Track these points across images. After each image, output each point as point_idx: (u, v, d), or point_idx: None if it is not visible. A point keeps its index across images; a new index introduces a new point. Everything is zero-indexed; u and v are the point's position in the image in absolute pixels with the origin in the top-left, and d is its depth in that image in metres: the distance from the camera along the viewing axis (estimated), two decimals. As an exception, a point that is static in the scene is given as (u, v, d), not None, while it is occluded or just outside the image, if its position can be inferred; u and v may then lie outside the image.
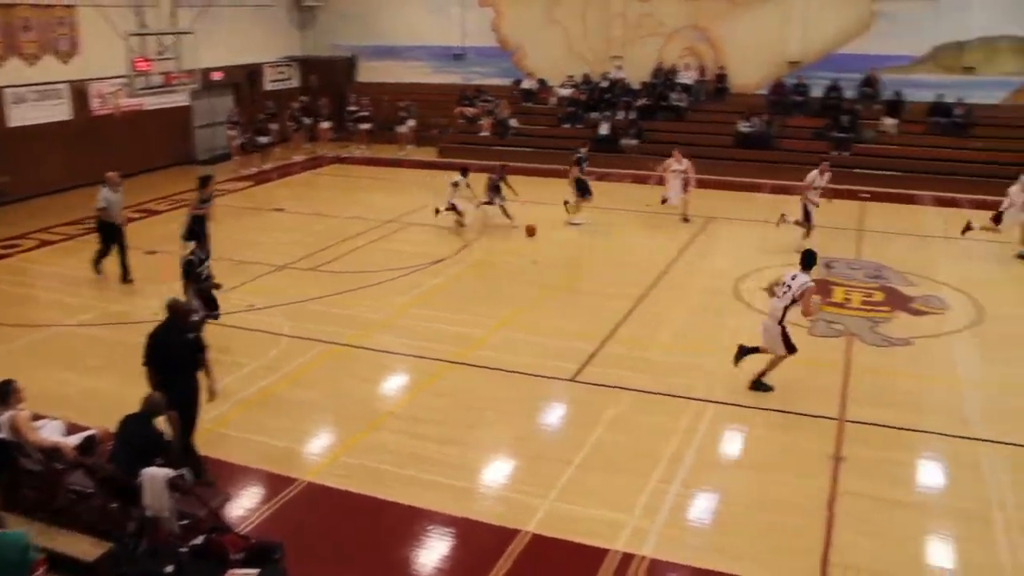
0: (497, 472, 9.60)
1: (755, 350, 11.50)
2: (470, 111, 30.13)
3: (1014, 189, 17.94)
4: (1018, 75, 26.09)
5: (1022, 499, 9.03)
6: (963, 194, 23.38)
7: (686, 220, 20.18)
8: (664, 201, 20.24)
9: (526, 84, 30.60)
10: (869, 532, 8.44)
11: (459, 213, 19.34)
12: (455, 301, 14.79)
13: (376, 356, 12.19)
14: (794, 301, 11.08)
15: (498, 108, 29.35)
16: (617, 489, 9.04)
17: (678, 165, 20.21)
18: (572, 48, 30.37)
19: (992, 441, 10.21)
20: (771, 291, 11.59)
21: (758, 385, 11.37)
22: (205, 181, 15.63)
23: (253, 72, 30.70)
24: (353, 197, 23.40)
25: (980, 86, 26.15)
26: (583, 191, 20.30)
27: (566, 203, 20.25)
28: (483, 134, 29.19)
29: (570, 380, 11.68)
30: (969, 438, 10.30)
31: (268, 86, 31.46)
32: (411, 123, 29.86)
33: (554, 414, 11.06)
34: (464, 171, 19.65)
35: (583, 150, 21.10)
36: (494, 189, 19.72)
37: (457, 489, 9.08)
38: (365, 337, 13.12)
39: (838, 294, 15.23)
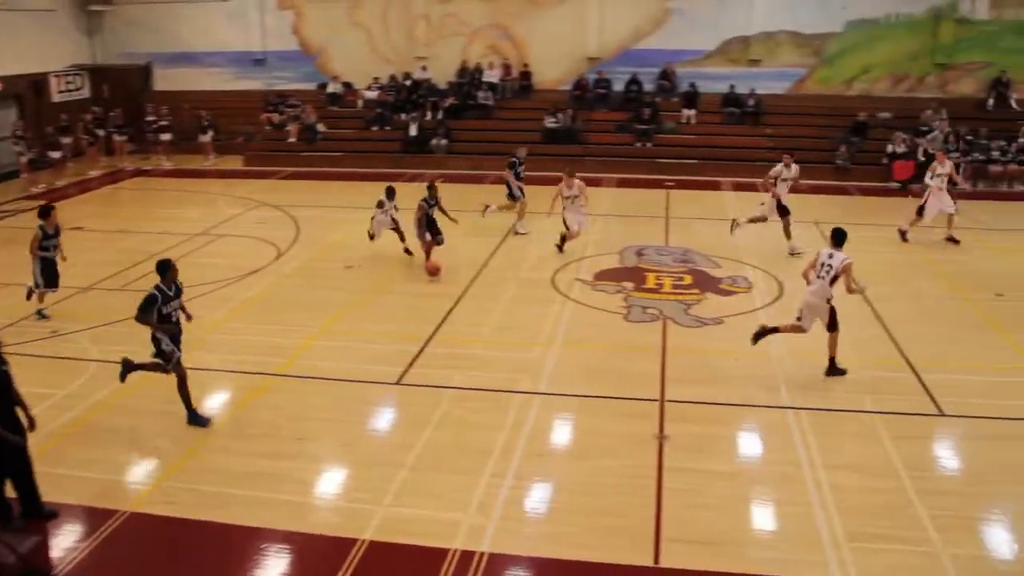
0: (330, 482, 9.39)
1: (775, 330, 11.81)
2: (276, 117, 29.40)
3: (933, 182, 18.64)
4: (797, 66, 28.04)
5: (828, 459, 9.64)
6: (757, 178, 24.68)
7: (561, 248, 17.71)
8: (566, 240, 17.49)
9: (332, 88, 30.08)
10: (697, 505, 8.79)
11: (371, 237, 17.37)
12: (272, 312, 14.38)
13: (194, 375, 11.64)
14: (835, 278, 11.35)
15: (304, 113, 28.76)
16: (451, 488, 9.02)
17: (568, 190, 17.39)
18: (376, 50, 30.16)
19: (798, 408, 10.86)
20: (808, 274, 11.75)
21: (833, 370, 11.64)
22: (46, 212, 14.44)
23: (38, 82, 28.75)
24: (159, 211, 22.35)
25: (767, 77, 27.94)
26: (512, 195, 19.46)
27: (486, 207, 19.30)
28: (291, 140, 28.53)
29: (396, 383, 11.58)
30: (779, 407, 10.91)
31: (56, 97, 29.48)
32: (211, 132, 28.81)
33: (383, 418, 10.96)
34: (390, 192, 17.19)
35: (521, 153, 20.13)
36: (427, 224, 16.18)
37: (290, 504, 8.82)
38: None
39: (650, 280, 15.79)
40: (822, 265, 11.53)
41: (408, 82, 29.28)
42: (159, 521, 8.56)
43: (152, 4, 31.15)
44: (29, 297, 14.32)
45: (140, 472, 9.59)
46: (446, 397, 11.10)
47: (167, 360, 10.36)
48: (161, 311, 10.21)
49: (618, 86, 28.20)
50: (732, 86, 27.47)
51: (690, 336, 13.28)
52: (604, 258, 17.08)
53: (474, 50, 29.47)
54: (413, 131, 27.38)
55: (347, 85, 30.10)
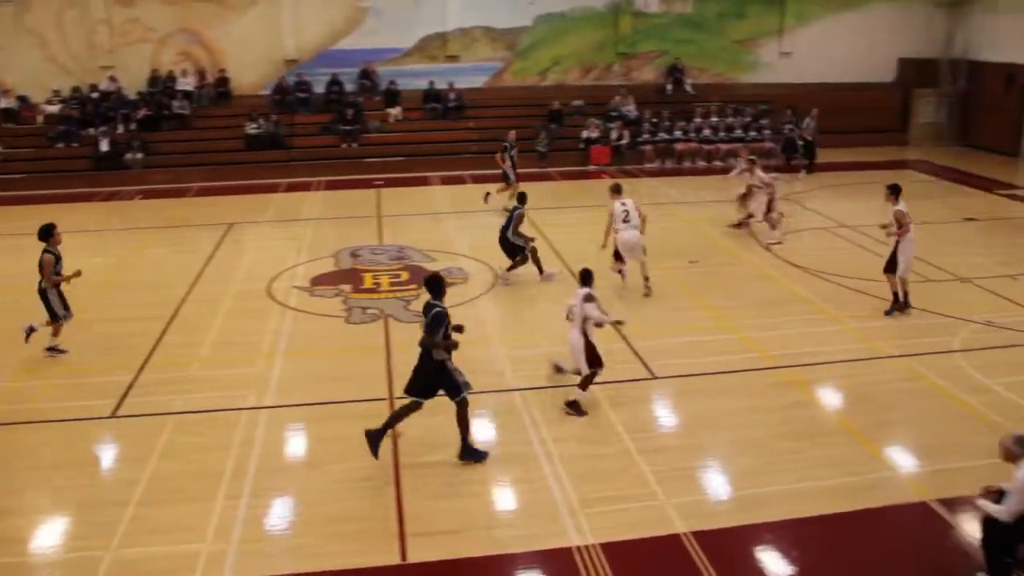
0: (49, 534, 8.54)
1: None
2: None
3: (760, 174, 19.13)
4: (494, 61, 29.08)
5: (556, 433, 10.17)
6: (465, 171, 25.49)
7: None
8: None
9: (4, 103, 27.12)
10: (438, 496, 8.94)
11: None
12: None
13: None
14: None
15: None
16: (184, 518, 8.58)
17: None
18: (53, 59, 27.38)
19: (523, 389, 11.30)
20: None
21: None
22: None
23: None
24: None
25: (465, 72, 28.75)
26: (506, 178, 20.50)
27: (487, 195, 20.28)
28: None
29: (111, 417, 10.81)
30: (505, 390, 11.29)
31: None
32: None
33: (101, 456, 10.17)
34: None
35: (512, 136, 21.42)
36: None
37: (6, 567, 8.00)
38: None
39: (368, 280, 15.78)
40: (570, 307, 10.89)
41: (95, 94, 27.17)
42: None
43: None
44: (28, 338, 12.42)
45: None
46: (169, 424, 10.51)
47: (463, 390, 9.52)
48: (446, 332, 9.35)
49: (319, 88, 27.84)
50: (432, 82, 28.01)
51: (412, 331, 13.28)
52: (319, 263, 16.85)
53: (164, 57, 27.88)
54: (104, 146, 25.48)
55: (22, 99, 27.27)
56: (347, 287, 15.43)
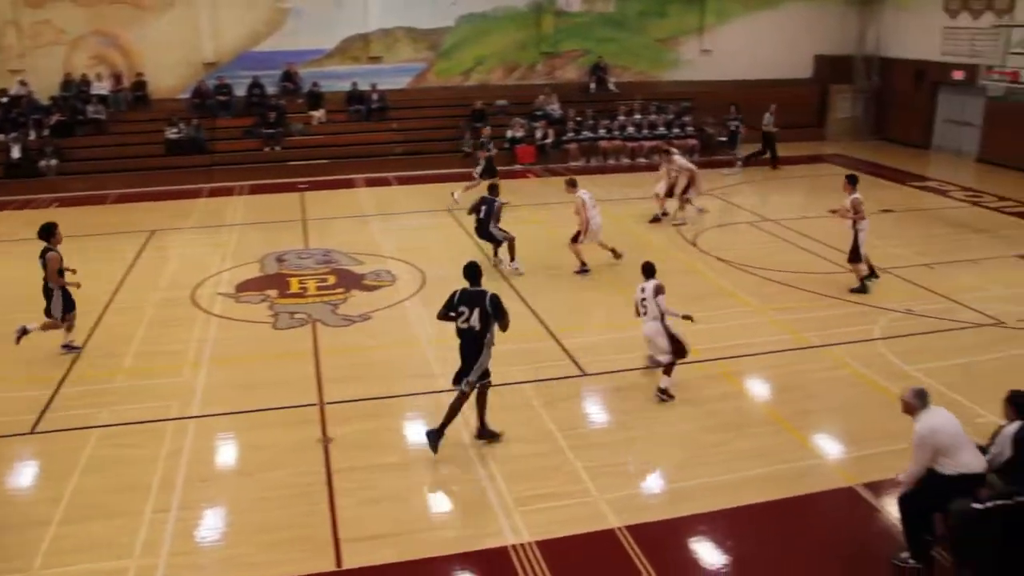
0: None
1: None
2: None
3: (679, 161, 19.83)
4: (417, 61, 28.92)
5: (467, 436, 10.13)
6: (390, 172, 25.36)
7: None
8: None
9: (-92, 111, 26.12)
10: (372, 500, 8.86)
11: None
12: None
13: None
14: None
15: None
16: (111, 534, 8.35)
17: None
18: (-45, 64, 26.57)
19: (453, 390, 11.23)
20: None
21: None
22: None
23: None
24: None
25: (388, 73, 28.52)
26: (491, 172, 20.48)
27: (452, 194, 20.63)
28: None
29: (30, 433, 10.46)
30: (436, 391, 11.22)
31: None
32: None
33: (19, 474, 9.81)
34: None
35: (487, 132, 22.96)
36: None
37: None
38: None
39: (294, 285, 15.58)
40: (639, 300, 11.30)
41: (4, 99, 26.26)
42: None
43: None
44: (20, 340, 12.34)
45: None
46: (92, 437, 10.22)
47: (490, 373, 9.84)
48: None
49: (240, 91, 27.30)
50: (355, 84, 27.73)
51: (341, 335, 13.30)
52: (244, 268, 16.59)
53: (78, 60, 26.98)
54: (16, 153, 24.61)
55: (-76, 107, 26.23)
56: (273, 292, 15.22)
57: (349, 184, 24.46)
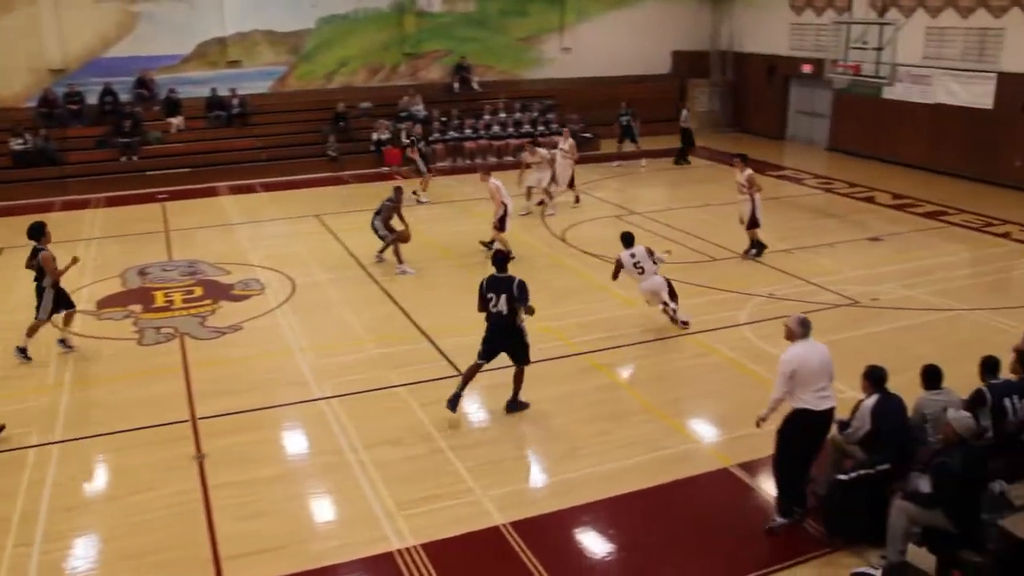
0: None
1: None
2: None
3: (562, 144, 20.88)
4: (277, 65, 28.33)
5: (367, 439, 10.04)
6: (255, 179, 24.79)
7: None
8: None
9: None
10: (251, 515, 8.64)
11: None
12: None
13: None
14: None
15: None
16: (-33, 572, 7.91)
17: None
18: None
19: (330, 397, 11.13)
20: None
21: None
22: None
23: None
24: None
25: (249, 78, 27.81)
26: (425, 161, 21.89)
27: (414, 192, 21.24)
28: None
29: None
30: (312, 400, 11.07)
31: None
32: None
33: None
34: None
35: (417, 131, 23.85)
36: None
37: None
38: None
39: (159, 298, 15.04)
40: (635, 262, 13.05)
41: None
42: None
43: None
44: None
45: None
46: (-58, 471, 9.65)
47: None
48: None
49: (92, 99, 26.13)
50: (214, 89, 26.94)
51: (211, 348, 12.92)
52: (105, 284, 15.92)
53: (-92, 69, 25.44)
54: None
55: None
56: (137, 307, 14.66)
57: (212, 192, 23.78)
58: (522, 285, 10.22)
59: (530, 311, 10.38)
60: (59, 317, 12.83)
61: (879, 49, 20.86)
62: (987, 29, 22.97)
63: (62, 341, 12.94)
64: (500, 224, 16.47)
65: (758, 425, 8.44)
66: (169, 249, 18.27)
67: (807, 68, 28.38)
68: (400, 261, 16.11)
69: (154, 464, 9.62)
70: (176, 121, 26.21)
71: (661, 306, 13.26)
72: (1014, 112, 22.37)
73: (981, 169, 23.39)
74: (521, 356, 10.55)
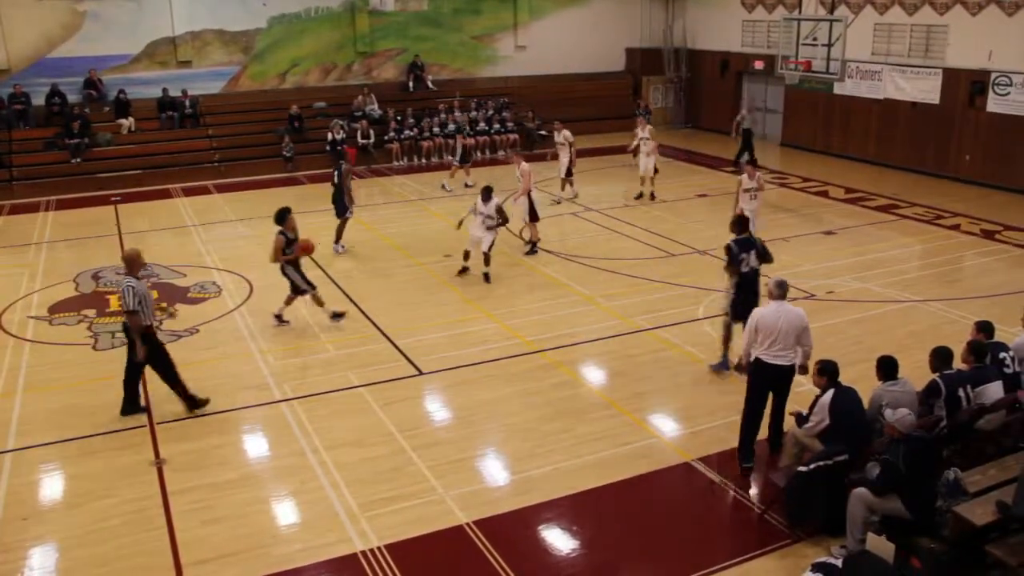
0: None
1: None
2: None
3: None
4: (229, 64, 28.01)
5: (328, 440, 10.00)
6: (209, 180, 24.54)
7: None
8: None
9: None
10: (212, 520, 8.55)
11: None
12: None
13: None
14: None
15: None
16: (-80, 584, 7.74)
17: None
18: None
19: (290, 399, 11.05)
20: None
21: None
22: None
23: None
24: None
25: (200, 78, 27.51)
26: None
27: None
28: None
29: None
30: (272, 402, 10.99)
31: None
32: None
33: None
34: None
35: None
36: None
37: None
38: None
39: (114, 303, 14.79)
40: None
41: None
42: None
43: None
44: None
45: None
46: None
47: None
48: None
49: (39, 100, 25.66)
50: (165, 89, 26.59)
51: (169, 351, 12.73)
52: (57, 288, 15.65)
53: None
54: None
55: None
56: (91, 312, 14.44)
57: (166, 194, 23.48)
58: (762, 242, 11.46)
59: (771, 260, 11.51)
60: None
61: (829, 45, 21.16)
62: (932, 26, 23.42)
63: (335, 315, 13.65)
64: (532, 214, 17.12)
65: (737, 370, 9.93)
66: (123, 252, 17.94)
67: (759, 64, 28.72)
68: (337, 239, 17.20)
69: (112, 471, 9.49)
70: (127, 122, 25.83)
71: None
72: (960, 107, 22.85)
73: (930, 163, 23.85)
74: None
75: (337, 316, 13.59)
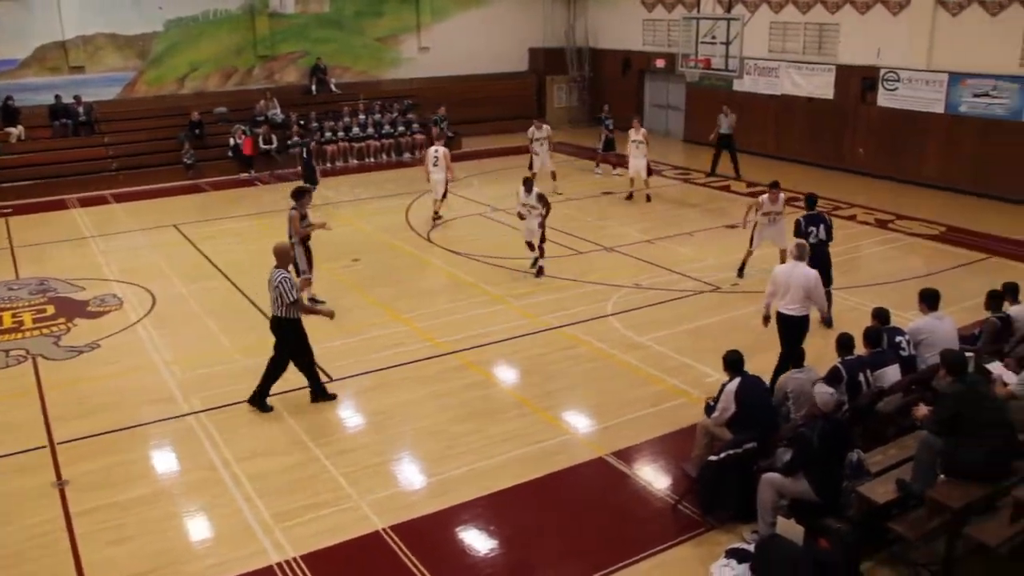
0: None
1: None
2: None
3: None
4: (125, 70, 27.17)
5: (239, 452, 9.80)
6: (107, 190, 23.79)
7: None
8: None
9: None
10: (121, 539, 8.30)
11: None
12: None
13: None
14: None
15: None
16: None
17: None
18: None
19: (198, 411, 10.81)
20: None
21: None
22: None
23: None
24: None
25: (94, 84, 26.56)
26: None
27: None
28: None
29: None
30: (179, 416, 10.72)
31: None
32: None
33: None
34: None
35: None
36: None
37: None
38: None
39: (6, 319, 14.25)
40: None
41: None
42: None
43: None
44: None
45: None
46: None
47: None
48: None
49: (-82, 109, 24.57)
50: (58, 96, 25.64)
51: (68, 369, 12.33)
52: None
53: None
54: None
55: None
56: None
57: (61, 205, 22.67)
58: (828, 217, 12.94)
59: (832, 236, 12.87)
60: None
61: (727, 43, 21.60)
62: (824, 24, 24.21)
63: (312, 299, 13.72)
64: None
65: (765, 324, 10.79)
66: (15, 267, 17.31)
67: (660, 63, 29.20)
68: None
69: (10, 494, 9.12)
70: (16, 131, 24.82)
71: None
72: (853, 102, 23.65)
73: (826, 156, 24.62)
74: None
75: (315, 302, 13.64)
